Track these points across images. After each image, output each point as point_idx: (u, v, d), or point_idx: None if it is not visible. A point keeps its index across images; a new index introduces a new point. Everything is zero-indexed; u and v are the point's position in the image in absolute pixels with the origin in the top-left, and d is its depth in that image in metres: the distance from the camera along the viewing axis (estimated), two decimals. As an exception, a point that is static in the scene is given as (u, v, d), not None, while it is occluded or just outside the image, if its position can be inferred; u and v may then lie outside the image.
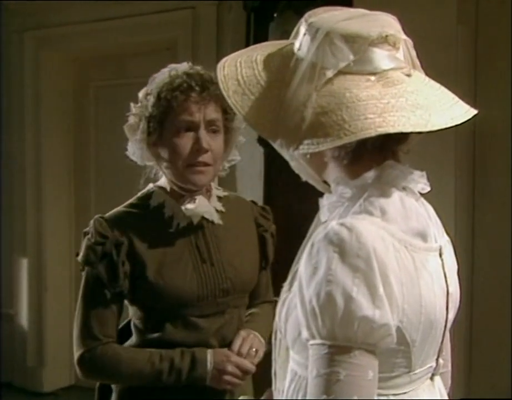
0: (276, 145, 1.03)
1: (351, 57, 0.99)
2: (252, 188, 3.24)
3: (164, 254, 1.54)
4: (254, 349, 1.58)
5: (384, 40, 1.01)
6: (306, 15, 1.06)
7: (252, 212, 1.72)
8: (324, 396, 0.89)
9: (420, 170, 1.09)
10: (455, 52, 2.78)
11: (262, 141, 2.88)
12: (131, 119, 1.57)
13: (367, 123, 0.95)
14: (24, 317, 4.39)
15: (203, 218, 1.58)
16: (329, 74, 0.99)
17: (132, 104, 1.59)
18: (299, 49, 1.04)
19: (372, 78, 1.00)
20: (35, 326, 4.35)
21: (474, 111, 1.03)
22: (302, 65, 1.01)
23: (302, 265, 0.97)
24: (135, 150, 1.58)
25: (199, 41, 3.66)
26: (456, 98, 1.05)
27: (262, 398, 1.34)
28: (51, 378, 4.32)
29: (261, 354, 1.60)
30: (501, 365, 2.91)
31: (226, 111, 1.57)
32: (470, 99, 1.08)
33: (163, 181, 1.62)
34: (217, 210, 1.61)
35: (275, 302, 1.72)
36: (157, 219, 1.56)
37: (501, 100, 2.87)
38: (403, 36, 1.05)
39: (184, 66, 1.56)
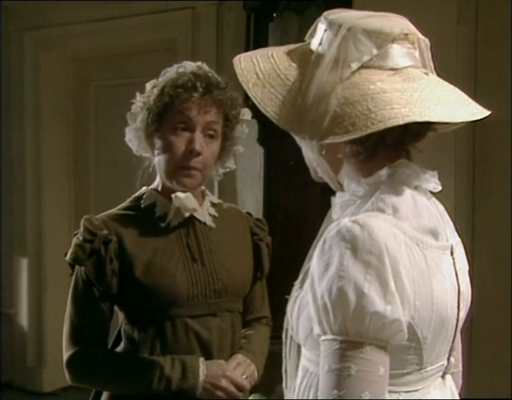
0: (299, 137, 1.04)
1: (375, 51, 1.00)
2: (252, 188, 3.24)
3: (154, 252, 1.52)
4: (245, 376, 1.55)
5: (405, 37, 1.03)
6: (325, 13, 1.07)
7: (248, 222, 1.71)
8: (335, 391, 0.89)
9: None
10: (455, 52, 2.78)
11: (262, 141, 2.88)
12: (134, 108, 1.58)
13: (394, 113, 0.95)
14: (24, 317, 4.39)
15: (195, 218, 1.57)
16: (354, 66, 1.00)
17: (138, 93, 1.59)
18: (319, 44, 1.04)
19: (392, 73, 1.01)
20: (35, 326, 4.34)
21: (488, 112, 1.04)
22: (325, 59, 1.01)
23: (314, 262, 0.97)
24: (132, 137, 1.59)
25: (199, 41, 3.66)
26: (470, 99, 1.06)
27: (272, 398, 1.34)
28: (51, 378, 4.30)
29: (248, 385, 1.56)
30: (501, 365, 2.91)
31: (228, 118, 1.57)
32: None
33: (156, 183, 1.61)
34: (210, 214, 1.61)
35: (270, 319, 1.71)
36: (148, 219, 1.56)
37: (501, 100, 2.87)
38: (421, 36, 1.06)
39: (193, 66, 1.56)
